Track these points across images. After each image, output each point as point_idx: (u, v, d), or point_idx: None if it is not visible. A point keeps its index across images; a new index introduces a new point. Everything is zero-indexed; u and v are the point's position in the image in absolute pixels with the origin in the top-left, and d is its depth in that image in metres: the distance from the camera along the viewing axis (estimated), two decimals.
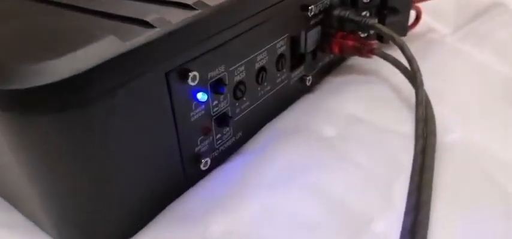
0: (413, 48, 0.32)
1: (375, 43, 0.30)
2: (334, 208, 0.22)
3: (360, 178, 0.23)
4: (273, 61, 0.26)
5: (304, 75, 0.30)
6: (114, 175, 0.19)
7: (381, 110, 0.28)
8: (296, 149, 0.25)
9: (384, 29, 0.29)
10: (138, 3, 0.21)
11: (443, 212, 0.21)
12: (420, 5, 0.36)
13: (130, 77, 0.18)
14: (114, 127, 0.18)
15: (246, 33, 0.23)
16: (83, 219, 0.20)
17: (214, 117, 0.23)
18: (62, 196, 0.19)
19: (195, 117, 0.22)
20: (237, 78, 0.24)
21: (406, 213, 0.20)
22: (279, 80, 0.27)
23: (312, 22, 0.28)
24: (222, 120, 0.24)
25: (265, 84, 0.26)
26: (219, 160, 0.25)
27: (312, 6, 0.27)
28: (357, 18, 0.30)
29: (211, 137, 0.23)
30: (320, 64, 0.31)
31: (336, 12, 0.30)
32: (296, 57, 0.29)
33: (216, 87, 0.22)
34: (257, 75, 0.25)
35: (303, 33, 0.28)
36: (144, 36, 0.18)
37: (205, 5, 0.21)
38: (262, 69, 0.25)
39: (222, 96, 0.23)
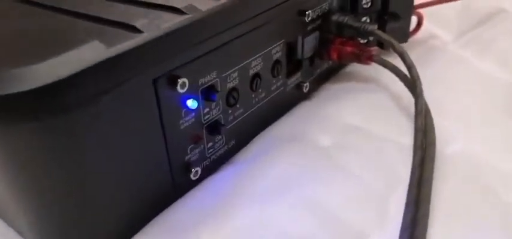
0: (414, 55, 0.31)
1: (374, 50, 0.29)
2: (327, 222, 0.21)
3: (355, 191, 0.22)
4: (268, 67, 0.25)
5: (301, 82, 0.29)
6: (98, 185, 0.18)
7: (379, 119, 0.28)
8: (291, 159, 0.25)
9: (384, 36, 0.28)
10: (127, 6, 0.21)
11: (442, 228, 0.20)
12: (422, 11, 0.35)
13: (115, 83, 0.17)
14: (98, 135, 0.17)
15: (240, 38, 0.22)
16: (66, 230, 0.19)
17: (205, 125, 0.22)
18: (44, 206, 0.18)
19: (185, 125, 0.21)
20: (230, 85, 0.23)
21: (403, 229, 0.19)
22: (274, 86, 0.27)
23: (310, 27, 0.28)
24: (214, 128, 0.23)
25: (260, 91, 0.25)
26: (211, 169, 0.24)
27: (309, 11, 0.26)
28: (356, 24, 0.29)
29: (202, 146, 0.23)
30: (318, 71, 0.30)
31: (335, 17, 0.29)
32: (293, 63, 0.28)
33: (207, 94, 0.22)
34: (251, 82, 0.24)
35: (299, 39, 0.27)
36: (130, 41, 0.17)
37: (196, 9, 0.20)
38: (257, 75, 0.25)
39: (213, 104, 0.22)
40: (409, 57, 0.27)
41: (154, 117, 0.19)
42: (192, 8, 0.20)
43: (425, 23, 0.36)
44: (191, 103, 0.21)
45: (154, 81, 0.19)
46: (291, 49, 0.27)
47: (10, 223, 0.22)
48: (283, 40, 0.26)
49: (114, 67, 0.17)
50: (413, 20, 0.35)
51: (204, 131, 0.22)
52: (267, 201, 0.22)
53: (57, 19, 0.20)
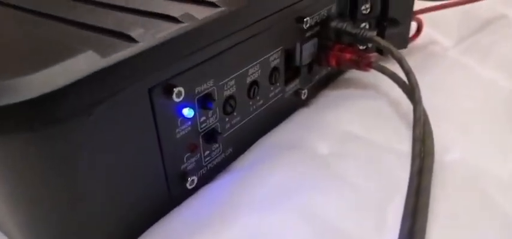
0: (414, 61, 0.31)
1: (373, 56, 0.29)
2: (325, 231, 0.21)
3: (354, 200, 0.22)
4: (266, 75, 0.25)
5: (300, 88, 0.29)
6: (92, 195, 0.18)
7: (378, 127, 0.27)
8: (288, 168, 0.24)
9: (382, 42, 0.28)
10: (122, 14, 0.21)
11: (440, 238, 0.20)
12: (421, 16, 0.35)
13: (110, 93, 0.17)
14: (93, 144, 0.17)
15: (237, 46, 0.22)
16: None
17: (202, 134, 0.22)
18: (39, 215, 0.18)
19: (181, 134, 0.21)
20: (227, 93, 0.23)
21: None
22: (272, 94, 0.26)
23: (308, 34, 0.28)
24: (211, 136, 0.23)
25: (258, 98, 0.25)
26: (207, 178, 0.24)
27: (308, 18, 0.26)
28: (355, 31, 0.29)
29: (198, 154, 0.22)
30: (316, 77, 0.30)
31: (333, 24, 0.29)
32: (291, 70, 0.28)
33: (203, 102, 0.21)
34: (249, 90, 0.24)
35: (298, 46, 0.27)
36: (125, 51, 0.17)
37: (192, 17, 0.20)
38: (254, 83, 0.24)
39: (210, 112, 0.22)
40: (407, 64, 0.27)
41: (150, 126, 0.19)
42: (188, 17, 0.20)
43: (425, 28, 0.36)
44: (187, 112, 0.21)
45: (150, 91, 0.19)
46: (289, 56, 0.27)
47: (7, 234, 0.22)
48: (281, 47, 0.26)
49: (109, 77, 0.17)
50: (413, 25, 0.35)
51: (201, 139, 0.22)
52: (264, 210, 0.22)
53: (52, 27, 0.20)
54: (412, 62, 0.27)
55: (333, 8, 0.29)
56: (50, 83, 0.15)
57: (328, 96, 0.31)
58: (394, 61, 0.28)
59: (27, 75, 0.15)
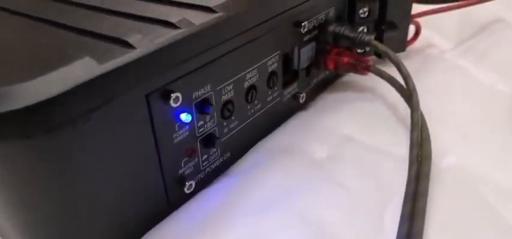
0: (412, 64, 0.31)
1: (370, 60, 0.29)
2: (322, 235, 0.21)
3: (351, 204, 0.22)
4: (264, 79, 0.25)
5: (298, 92, 0.29)
6: (89, 200, 0.18)
7: (375, 130, 0.28)
8: (286, 172, 0.24)
9: (380, 46, 0.28)
10: (119, 19, 0.21)
11: None
12: (419, 19, 0.35)
13: (106, 100, 0.17)
14: (90, 151, 0.17)
15: (234, 51, 0.22)
16: None
17: (199, 139, 0.22)
18: (36, 221, 0.18)
19: (179, 139, 0.21)
20: (225, 98, 0.23)
21: None
22: (270, 98, 0.26)
23: (306, 38, 0.28)
24: (208, 141, 0.23)
25: (256, 102, 0.25)
26: (205, 182, 0.24)
27: (306, 22, 0.26)
28: (353, 35, 0.29)
29: (196, 159, 0.22)
30: (314, 81, 0.30)
31: (331, 28, 0.29)
32: (289, 74, 0.28)
33: (201, 107, 0.21)
34: (246, 94, 0.24)
35: (296, 50, 0.27)
36: (123, 57, 0.17)
37: (190, 23, 0.20)
38: (252, 87, 0.24)
39: (208, 117, 0.22)
40: (405, 68, 0.27)
41: (147, 132, 0.19)
42: (186, 22, 0.20)
43: (423, 31, 0.36)
44: (185, 117, 0.21)
45: (147, 96, 0.19)
46: (287, 60, 0.27)
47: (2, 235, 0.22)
48: (279, 51, 0.26)
49: (106, 84, 0.17)
50: (412, 29, 0.35)
51: (199, 144, 0.22)
52: (262, 214, 0.22)
53: (49, 32, 0.20)
54: (410, 65, 0.28)
55: (331, 12, 0.29)
56: (47, 90, 0.15)
57: (326, 100, 0.31)
58: (391, 63, 0.28)
59: (24, 82, 0.16)
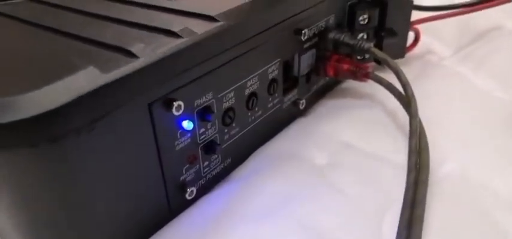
0: (411, 70, 0.31)
1: (370, 67, 0.29)
2: None
3: (350, 211, 0.23)
4: (265, 86, 0.26)
5: (298, 98, 0.29)
6: (92, 207, 0.19)
7: (374, 137, 0.28)
8: (285, 178, 0.25)
9: (379, 54, 0.29)
10: (122, 28, 0.21)
11: None
12: (419, 26, 0.36)
13: (110, 109, 0.17)
14: (92, 159, 0.18)
15: (236, 59, 0.22)
16: None
17: (201, 145, 0.22)
18: (39, 228, 0.19)
19: (180, 146, 0.21)
20: (226, 105, 0.23)
21: None
22: (270, 104, 0.27)
23: (306, 45, 0.28)
24: (210, 147, 0.23)
25: (256, 109, 0.26)
26: (206, 188, 0.24)
27: (306, 30, 0.27)
28: (352, 42, 0.29)
29: (197, 165, 0.23)
30: (314, 87, 0.31)
31: (331, 35, 0.29)
32: (289, 80, 0.28)
33: (203, 115, 0.22)
34: (247, 101, 0.25)
35: (296, 57, 0.28)
36: (126, 67, 0.17)
37: (192, 32, 0.20)
38: (253, 94, 0.25)
39: (209, 124, 0.22)
40: (404, 75, 0.28)
41: (150, 140, 0.20)
42: (188, 32, 0.20)
43: (422, 38, 0.36)
44: (187, 124, 0.21)
45: (150, 105, 0.19)
46: (287, 67, 0.27)
47: None
48: (279, 59, 0.26)
49: (110, 93, 0.17)
50: (411, 35, 0.35)
51: (200, 151, 0.23)
52: (262, 220, 0.22)
53: (52, 40, 0.20)
54: (409, 71, 0.28)
55: (331, 19, 0.29)
56: (52, 101, 0.15)
57: (326, 106, 0.31)
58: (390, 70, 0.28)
59: (30, 92, 0.16)
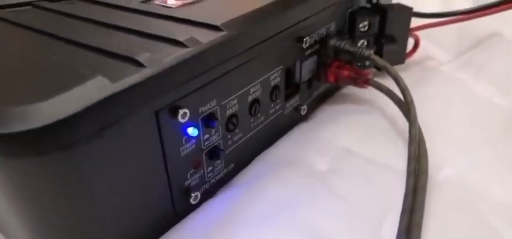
0: (411, 75, 0.32)
1: (370, 72, 0.30)
2: None
3: (350, 216, 0.23)
4: (267, 93, 0.26)
5: (299, 104, 0.30)
6: (100, 213, 0.19)
7: (374, 143, 0.28)
8: (287, 184, 0.25)
9: (379, 61, 0.29)
10: (128, 36, 0.21)
11: None
12: (418, 33, 0.36)
13: (118, 117, 0.18)
14: (100, 166, 0.18)
15: (239, 68, 0.23)
16: None
17: (205, 151, 0.23)
18: (45, 232, 0.19)
19: (185, 152, 0.22)
20: (230, 112, 0.24)
21: None
22: (272, 110, 0.27)
23: (307, 53, 0.28)
24: (213, 153, 0.23)
25: (259, 115, 0.26)
26: (210, 193, 0.24)
27: (307, 37, 0.27)
28: (353, 49, 0.29)
29: (202, 171, 0.23)
30: (315, 93, 0.31)
31: (332, 42, 0.30)
32: (291, 87, 0.29)
33: (207, 121, 0.22)
34: (250, 108, 0.25)
35: (297, 64, 0.28)
36: (134, 76, 0.18)
37: (197, 42, 0.21)
38: (256, 101, 0.25)
39: (213, 130, 0.23)
40: (403, 82, 0.28)
41: (156, 146, 0.20)
42: (193, 41, 0.20)
43: (422, 44, 0.36)
44: (192, 131, 0.22)
45: (156, 113, 0.19)
46: (289, 74, 0.28)
47: None
48: (281, 66, 0.26)
49: (118, 102, 0.17)
50: (411, 41, 0.36)
51: (204, 156, 0.23)
52: (263, 225, 0.23)
53: (60, 49, 0.21)
54: (408, 77, 0.28)
55: (332, 27, 0.30)
56: (62, 110, 0.16)
57: (327, 112, 0.32)
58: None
59: (41, 102, 0.16)
